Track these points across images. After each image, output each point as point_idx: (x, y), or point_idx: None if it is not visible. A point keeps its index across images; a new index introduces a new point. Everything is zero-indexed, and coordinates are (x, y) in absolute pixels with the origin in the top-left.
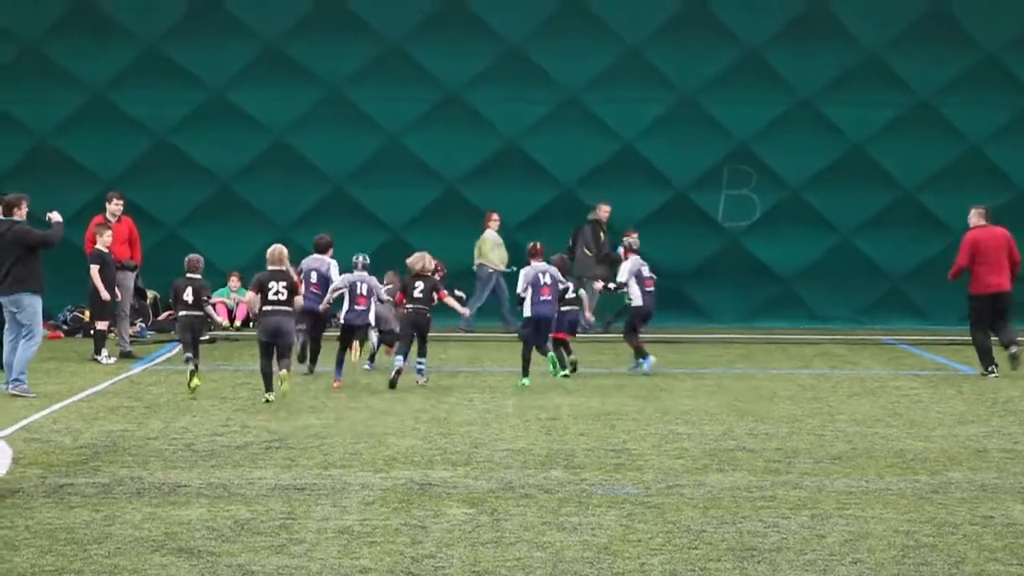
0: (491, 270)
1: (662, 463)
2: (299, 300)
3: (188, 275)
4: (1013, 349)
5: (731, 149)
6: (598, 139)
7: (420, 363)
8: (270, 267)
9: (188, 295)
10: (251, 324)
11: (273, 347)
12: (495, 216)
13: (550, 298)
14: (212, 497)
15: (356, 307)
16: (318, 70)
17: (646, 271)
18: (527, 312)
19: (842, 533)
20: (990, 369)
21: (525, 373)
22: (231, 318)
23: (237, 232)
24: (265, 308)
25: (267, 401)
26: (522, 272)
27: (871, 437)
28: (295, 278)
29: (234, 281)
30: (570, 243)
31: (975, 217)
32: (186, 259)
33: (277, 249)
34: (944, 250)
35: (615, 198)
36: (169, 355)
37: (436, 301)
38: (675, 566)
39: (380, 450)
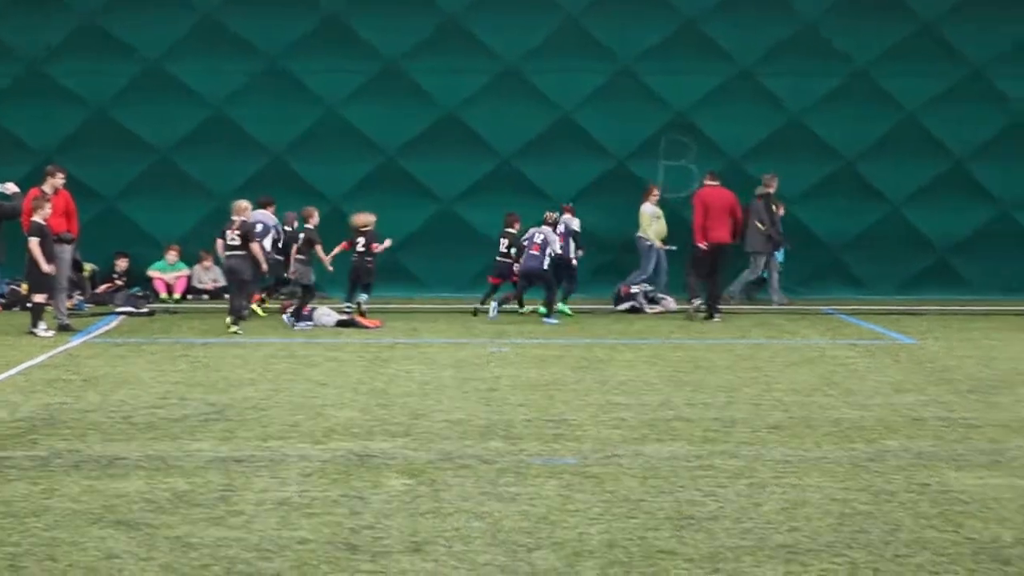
0: (649, 243)
1: (600, 433)
2: (255, 247)
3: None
4: (698, 302)
5: (669, 120)
6: (536, 109)
7: (362, 297)
8: (232, 217)
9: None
10: (189, 297)
11: (233, 283)
12: (655, 190)
13: (537, 254)
14: (150, 469)
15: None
16: (256, 41)
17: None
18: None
19: (779, 501)
20: (693, 302)
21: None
22: (169, 291)
23: (175, 204)
24: (224, 252)
25: (233, 332)
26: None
27: (808, 406)
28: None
29: (172, 255)
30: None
31: (707, 179)
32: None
33: (239, 203)
34: (881, 219)
35: (552, 170)
36: (107, 328)
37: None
38: (613, 535)
39: (319, 421)
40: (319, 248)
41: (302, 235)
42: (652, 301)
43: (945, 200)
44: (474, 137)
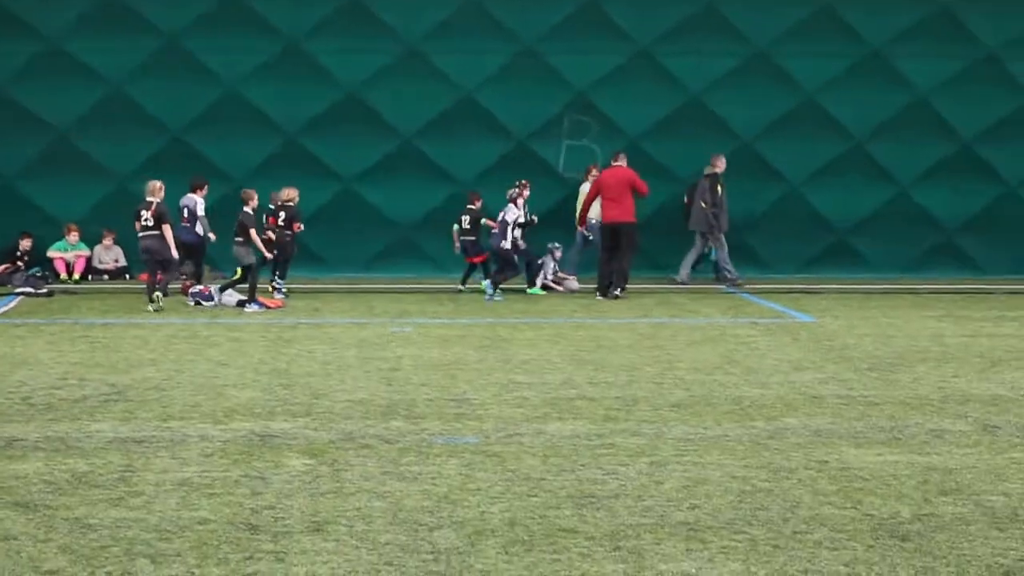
0: (595, 221)
1: (502, 412)
2: (167, 229)
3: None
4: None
5: (571, 99)
6: (438, 90)
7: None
8: (146, 199)
9: None
10: (90, 277)
11: (150, 263)
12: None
13: (497, 231)
14: (49, 451)
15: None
16: (156, 20)
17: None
18: None
19: (680, 479)
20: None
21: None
22: (69, 271)
23: (74, 184)
24: (140, 233)
25: (152, 310)
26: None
27: (709, 384)
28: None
29: (73, 236)
30: (685, 198)
31: (613, 160)
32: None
33: (152, 183)
34: (781, 199)
35: (454, 150)
36: (5, 309)
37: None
38: (514, 514)
39: (220, 402)
40: (252, 232)
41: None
42: (556, 282)
43: (845, 180)
44: (376, 117)
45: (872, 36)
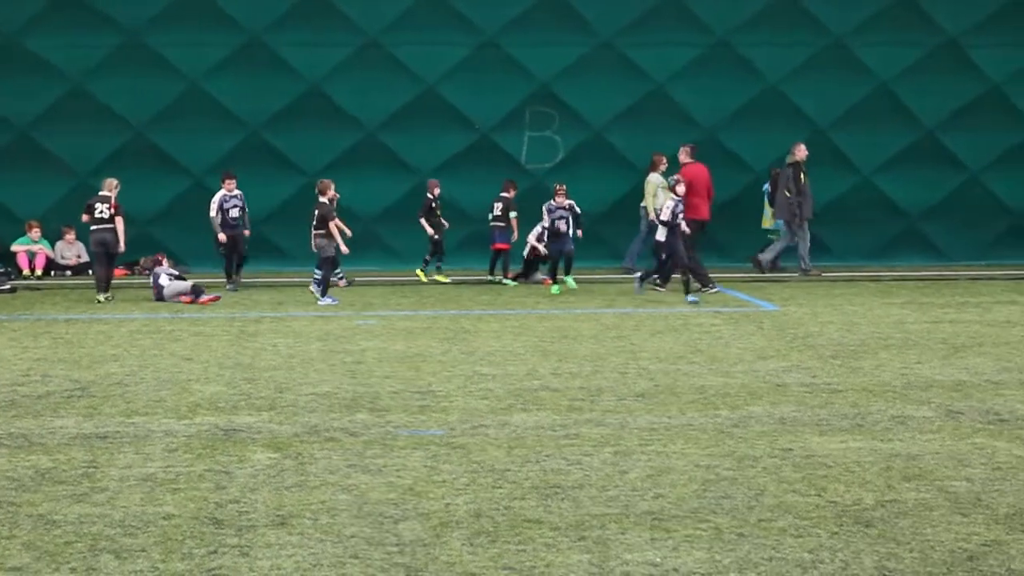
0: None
1: (467, 404)
2: (120, 223)
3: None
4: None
5: (533, 91)
6: (400, 82)
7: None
8: (101, 193)
9: None
10: (52, 273)
11: (103, 255)
12: (664, 159)
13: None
14: (12, 447)
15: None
16: (116, 15)
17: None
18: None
19: (644, 469)
20: (711, 285)
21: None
22: (31, 267)
23: (36, 181)
24: (92, 226)
25: (99, 302)
26: (544, 208)
27: (673, 374)
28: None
29: (35, 232)
30: (767, 187)
31: (684, 155)
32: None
33: (110, 180)
34: (744, 188)
35: (417, 142)
36: None
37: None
38: (480, 505)
39: (184, 396)
40: (331, 224)
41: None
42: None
43: (815, 171)
44: (338, 110)
45: (835, 25)
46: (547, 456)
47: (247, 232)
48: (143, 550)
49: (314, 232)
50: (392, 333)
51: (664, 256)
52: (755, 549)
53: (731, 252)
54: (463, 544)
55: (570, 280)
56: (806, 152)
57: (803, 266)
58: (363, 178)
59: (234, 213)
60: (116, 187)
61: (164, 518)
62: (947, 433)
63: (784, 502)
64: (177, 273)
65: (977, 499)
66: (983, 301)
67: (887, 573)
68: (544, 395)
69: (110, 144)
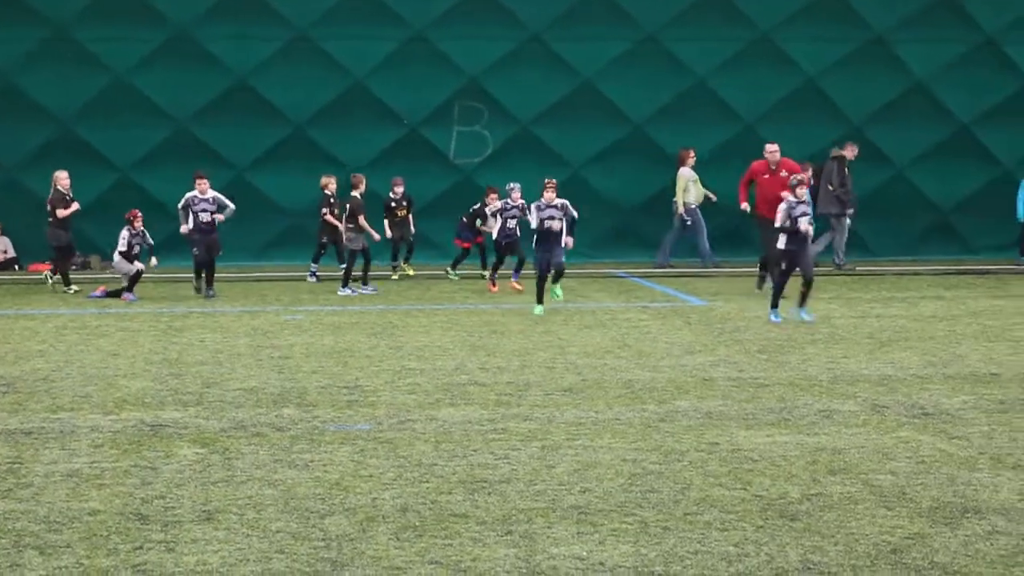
0: (693, 206)
1: (395, 399)
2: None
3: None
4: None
5: (462, 85)
6: (329, 76)
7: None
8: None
9: None
10: None
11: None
12: (692, 153)
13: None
14: None
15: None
16: (44, 10)
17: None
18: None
19: (571, 463)
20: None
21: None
22: None
23: None
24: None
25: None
26: (533, 207)
27: (601, 369)
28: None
29: None
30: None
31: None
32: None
33: (65, 175)
34: (670, 183)
35: (345, 137)
36: None
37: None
38: (406, 500)
39: (110, 392)
40: (361, 218)
41: (348, 204)
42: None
43: (734, 165)
44: (266, 104)
45: (646, 21)
46: (474, 451)
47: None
48: (68, 546)
49: (345, 225)
50: (320, 328)
51: (785, 265)
52: (681, 543)
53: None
54: (389, 538)
55: (558, 290)
56: (856, 151)
57: (837, 260)
58: (290, 173)
59: (204, 217)
60: (62, 180)
61: (89, 514)
62: (872, 427)
63: (710, 496)
64: (136, 247)
65: (901, 493)
66: (909, 296)
67: (812, 566)
68: (472, 390)
69: (36, 138)
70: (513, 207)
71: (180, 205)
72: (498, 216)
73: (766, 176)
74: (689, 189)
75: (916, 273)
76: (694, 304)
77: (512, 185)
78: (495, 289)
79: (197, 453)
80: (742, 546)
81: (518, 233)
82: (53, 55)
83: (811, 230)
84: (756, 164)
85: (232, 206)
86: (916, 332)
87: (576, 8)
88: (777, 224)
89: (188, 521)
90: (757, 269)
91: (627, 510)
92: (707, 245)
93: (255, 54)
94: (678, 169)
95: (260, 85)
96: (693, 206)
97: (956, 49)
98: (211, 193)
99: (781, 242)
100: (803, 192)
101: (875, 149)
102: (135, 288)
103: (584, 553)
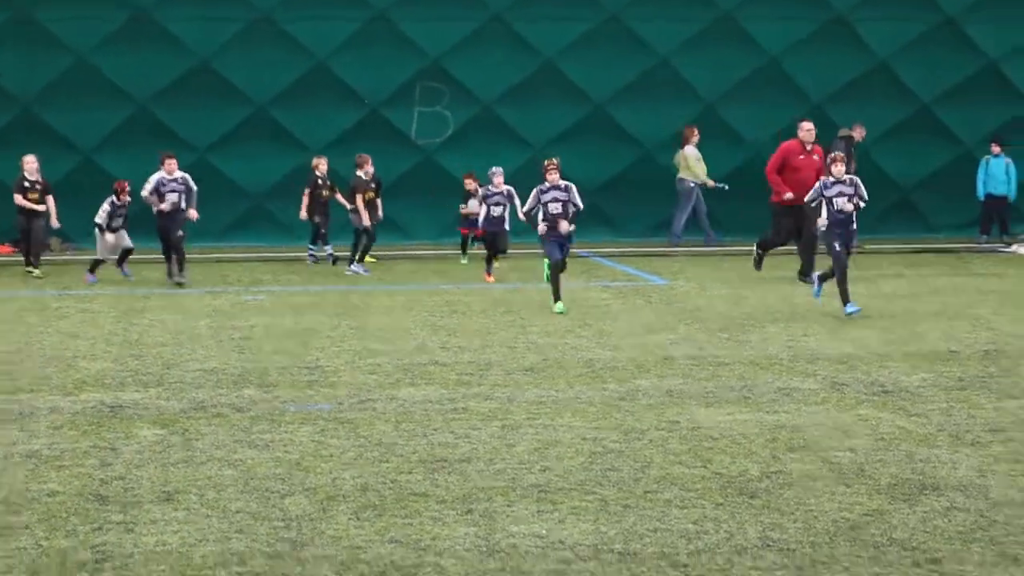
0: (692, 184)
1: (355, 379)
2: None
3: None
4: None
5: (423, 66)
6: (291, 57)
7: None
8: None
9: None
10: None
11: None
12: (696, 131)
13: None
14: None
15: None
16: None
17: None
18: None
19: (532, 442)
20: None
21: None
22: None
23: None
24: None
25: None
26: (534, 191)
27: (561, 348)
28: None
29: None
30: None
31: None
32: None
33: (30, 159)
34: (633, 163)
35: (307, 117)
36: None
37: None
38: (366, 479)
39: (70, 373)
40: (358, 197)
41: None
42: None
43: (703, 148)
44: (228, 85)
45: (608, 1)
46: (435, 430)
47: (192, 215)
48: (27, 527)
49: (349, 205)
50: (281, 309)
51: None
52: (641, 520)
53: (623, 227)
54: (349, 518)
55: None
56: (863, 133)
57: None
58: (252, 154)
59: (172, 198)
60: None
61: (48, 495)
62: (832, 405)
63: (670, 474)
64: (119, 219)
65: (860, 470)
66: (870, 275)
67: (771, 543)
68: (433, 369)
69: None
70: (496, 193)
71: (148, 191)
72: (483, 202)
73: (801, 157)
74: (694, 167)
75: (877, 252)
76: (655, 283)
77: (494, 169)
78: (491, 279)
79: (157, 434)
80: (701, 523)
81: (506, 223)
82: (13, 36)
83: (849, 206)
84: (788, 144)
85: (195, 188)
86: (876, 310)
87: None
88: (806, 200)
89: (148, 502)
90: (754, 248)
91: (587, 488)
92: (682, 226)
93: (217, 35)
94: (683, 147)
95: (222, 66)
96: (693, 184)
97: (916, 28)
98: (179, 173)
99: (822, 223)
100: (840, 170)
101: (836, 128)
102: (125, 264)
103: (544, 531)
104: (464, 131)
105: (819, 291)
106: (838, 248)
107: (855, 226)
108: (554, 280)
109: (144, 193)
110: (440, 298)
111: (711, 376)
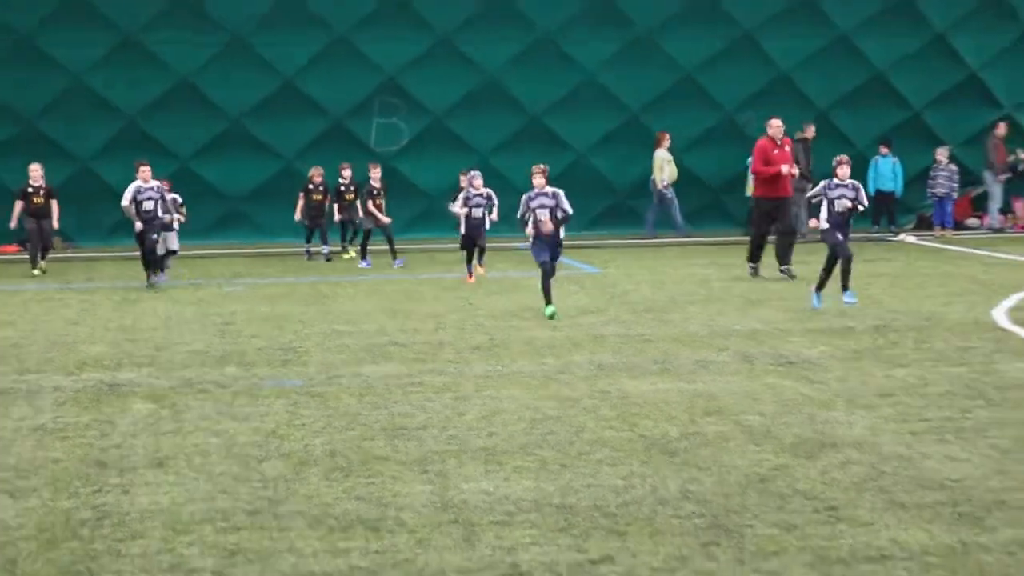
0: (664, 181)
1: (325, 358)
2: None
3: None
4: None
5: (381, 82)
6: (261, 75)
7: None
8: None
9: None
10: None
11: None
12: (667, 136)
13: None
14: None
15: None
16: (3, 16)
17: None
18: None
19: (480, 411)
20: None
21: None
22: None
23: None
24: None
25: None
26: (523, 197)
27: (506, 329)
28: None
29: None
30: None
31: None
32: None
33: (35, 168)
34: (569, 166)
35: (277, 129)
36: None
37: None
38: (335, 445)
39: (72, 356)
40: (370, 202)
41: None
42: None
43: (619, 149)
44: (207, 101)
45: (541, 24)
46: (395, 402)
47: (176, 219)
48: (35, 490)
49: (359, 206)
50: (258, 298)
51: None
52: (576, 477)
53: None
54: (320, 479)
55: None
56: (814, 131)
57: (803, 230)
58: (229, 162)
59: (148, 206)
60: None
61: (53, 462)
62: (743, 375)
63: (601, 437)
64: (170, 215)
65: (767, 431)
66: (775, 262)
67: (690, 495)
68: (392, 349)
69: (1, 134)
70: (476, 195)
71: (127, 200)
72: (465, 204)
73: (775, 152)
74: (664, 168)
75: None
76: (588, 271)
77: (473, 172)
78: (471, 280)
79: (149, 408)
80: (629, 479)
81: (486, 224)
82: (10, 57)
83: (850, 205)
84: (762, 142)
85: (169, 196)
86: (779, 292)
87: (480, 13)
88: (809, 195)
89: (142, 467)
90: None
91: (528, 450)
92: (680, 218)
93: (197, 56)
94: (655, 150)
95: (202, 84)
96: (667, 184)
97: (817, 44)
98: (154, 182)
99: (823, 222)
100: (846, 173)
101: (836, 132)
102: (167, 267)
103: (491, 488)
104: (418, 140)
105: (818, 300)
106: (841, 238)
107: (850, 228)
108: (544, 285)
109: (124, 203)
110: (398, 287)
111: (637, 352)
